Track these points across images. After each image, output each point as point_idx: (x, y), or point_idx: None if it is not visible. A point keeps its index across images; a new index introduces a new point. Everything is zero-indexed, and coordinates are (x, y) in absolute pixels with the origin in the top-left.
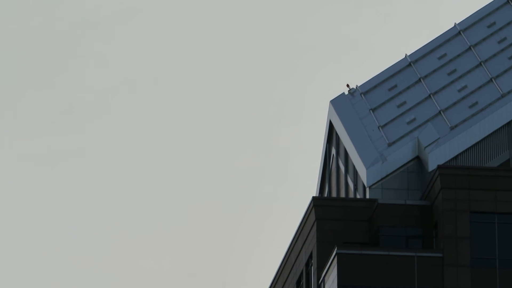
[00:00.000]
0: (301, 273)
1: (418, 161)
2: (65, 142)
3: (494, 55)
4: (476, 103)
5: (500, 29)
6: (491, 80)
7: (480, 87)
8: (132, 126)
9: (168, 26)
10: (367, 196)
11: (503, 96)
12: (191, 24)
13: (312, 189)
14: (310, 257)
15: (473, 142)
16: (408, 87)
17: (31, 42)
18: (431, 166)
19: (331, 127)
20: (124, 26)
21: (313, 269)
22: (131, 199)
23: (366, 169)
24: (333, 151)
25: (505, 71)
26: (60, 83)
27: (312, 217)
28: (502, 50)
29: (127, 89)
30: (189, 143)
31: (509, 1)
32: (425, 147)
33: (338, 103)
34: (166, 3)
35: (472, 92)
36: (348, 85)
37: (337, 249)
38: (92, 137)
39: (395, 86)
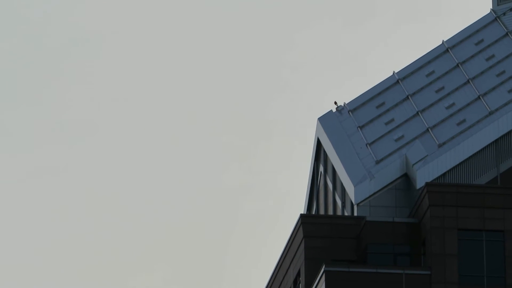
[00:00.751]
0: None
1: (406, 178)
2: (50, 158)
3: (482, 73)
4: (464, 120)
5: (488, 46)
6: (479, 97)
7: (468, 105)
8: (119, 143)
9: (154, 46)
10: (355, 214)
11: (491, 113)
12: (178, 44)
13: (300, 207)
14: (298, 274)
15: (461, 159)
16: (396, 104)
17: (16, 59)
18: (419, 183)
19: (319, 145)
20: (109, 44)
21: (301, 287)
22: (120, 217)
23: (354, 186)
24: (321, 169)
25: (493, 88)
26: (46, 100)
27: (300, 234)
28: (490, 67)
29: (113, 107)
30: (177, 160)
31: (497, 18)
32: (413, 165)
33: (326, 120)
34: (151, 24)
35: (460, 110)
36: (336, 103)
37: (325, 266)
38: (78, 153)
39: (383, 103)
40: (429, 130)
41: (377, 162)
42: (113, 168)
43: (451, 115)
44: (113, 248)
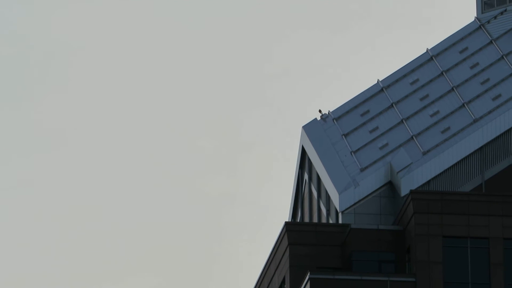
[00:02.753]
0: None
1: (391, 186)
2: (23, 170)
3: (466, 81)
4: (448, 128)
5: (472, 54)
6: (463, 105)
7: (452, 112)
8: (103, 149)
9: (133, 57)
10: (340, 221)
11: (475, 121)
12: (157, 56)
13: (284, 214)
14: (283, 281)
15: (446, 167)
16: (381, 112)
17: None
18: (404, 191)
19: (303, 153)
20: (83, 55)
21: None
22: (100, 225)
23: (339, 194)
24: (306, 176)
25: (477, 96)
26: (24, 109)
27: (285, 242)
28: (474, 75)
29: (92, 115)
30: (160, 169)
31: (481, 26)
32: (398, 172)
33: (310, 128)
34: (128, 36)
35: (444, 117)
36: (320, 111)
37: (310, 274)
38: (56, 162)
39: (368, 111)
40: (414, 138)
41: (362, 169)
42: (96, 175)
43: (435, 123)
44: (100, 253)
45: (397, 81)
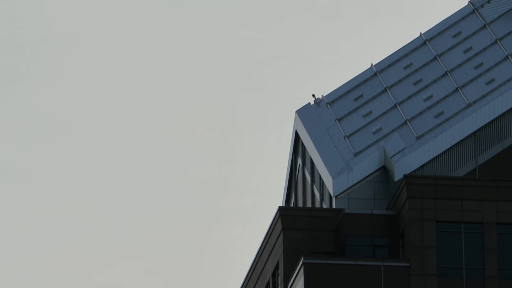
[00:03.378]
0: (268, 283)
1: (384, 170)
2: (10, 160)
3: (460, 65)
4: (442, 112)
5: (466, 38)
6: (457, 89)
7: (446, 97)
8: (93, 137)
9: (122, 44)
10: (333, 206)
11: (469, 105)
12: (149, 43)
13: (278, 199)
14: (277, 266)
15: (439, 151)
16: (374, 97)
17: None
18: (397, 175)
19: (297, 137)
20: (74, 47)
21: (279, 279)
22: (93, 213)
23: (332, 179)
24: (299, 161)
25: (471, 80)
26: (10, 101)
27: (279, 227)
28: (468, 59)
29: (83, 104)
30: (153, 154)
31: (475, 10)
32: (391, 157)
33: (304, 113)
34: (117, 24)
35: (438, 102)
36: (313, 95)
37: (303, 258)
38: (47, 152)
39: (361, 96)
40: (407, 122)
41: (355, 154)
42: (85, 165)
43: (429, 108)
44: (82, 242)
45: (390, 65)
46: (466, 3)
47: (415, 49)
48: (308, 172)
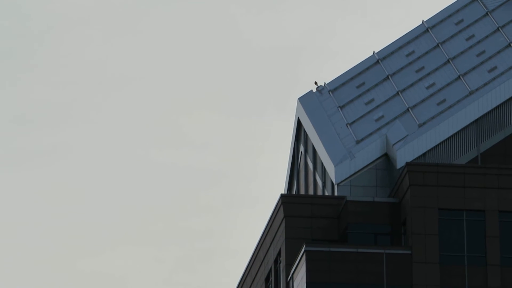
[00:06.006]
0: (270, 270)
1: (387, 158)
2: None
3: (462, 53)
4: (444, 100)
5: (468, 26)
6: (459, 77)
7: (448, 84)
8: (98, 126)
9: (114, 40)
10: (336, 193)
11: (471, 93)
12: (149, 31)
13: (280, 187)
14: (279, 254)
15: (441, 139)
16: (376, 85)
17: None
18: (400, 163)
19: (299, 125)
20: (75, 33)
21: (281, 266)
22: (76, 199)
23: (335, 166)
24: (301, 149)
25: (473, 68)
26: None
27: (281, 214)
28: (470, 47)
29: (80, 102)
30: (149, 138)
31: None
32: (393, 144)
33: (306, 100)
34: (107, 16)
35: (440, 90)
36: (316, 83)
37: (305, 246)
38: (43, 140)
39: (363, 83)
40: (409, 110)
41: (358, 142)
42: (74, 156)
43: (431, 95)
44: (61, 230)
45: (392, 53)
46: None
47: (417, 37)
48: (310, 160)
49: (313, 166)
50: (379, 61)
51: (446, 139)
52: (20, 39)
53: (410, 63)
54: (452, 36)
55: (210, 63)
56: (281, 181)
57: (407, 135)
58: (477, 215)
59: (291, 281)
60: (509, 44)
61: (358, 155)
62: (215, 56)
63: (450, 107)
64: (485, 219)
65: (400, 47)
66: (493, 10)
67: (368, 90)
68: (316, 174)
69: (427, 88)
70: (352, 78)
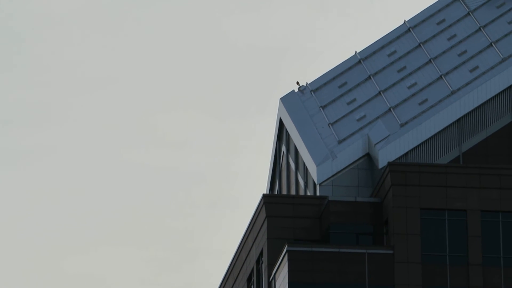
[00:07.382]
0: (252, 270)
1: (368, 158)
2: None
3: (444, 52)
4: (426, 100)
5: (450, 26)
6: (440, 77)
7: (430, 84)
8: (79, 126)
9: (93, 40)
10: (318, 193)
11: (453, 93)
12: (142, 28)
13: (262, 187)
14: (261, 254)
15: (423, 139)
16: (358, 84)
17: None
18: (381, 163)
19: (281, 125)
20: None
21: (263, 266)
22: (61, 197)
23: (316, 166)
24: (283, 149)
25: (455, 68)
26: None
27: (263, 214)
28: (452, 47)
29: (70, 98)
30: (137, 143)
31: None
32: (375, 144)
33: (288, 100)
34: (110, 23)
35: (422, 89)
36: (298, 83)
37: (287, 246)
38: (39, 134)
39: (345, 83)
40: (391, 109)
41: (339, 142)
42: (53, 156)
43: (413, 95)
44: (44, 231)
45: (374, 53)
46: None
47: (399, 37)
48: (292, 160)
49: (295, 166)
50: (361, 61)
51: (428, 139)
52: None
53: (392, 63)
54: (433, 36)
55: (192, 63)
56: (263, 181)
57: (389, 135)
58: (459, 215)
59: (273, 281)
60: (491, 44)
61: (340, 155)
62: (197, 56)
63: (431, 106)
64: (466, 218)
65: (382, 47)
66: (474, 10)
67: (350, 90)
68: (298, 174)
69: (409, 88)
70: (334, 78)
